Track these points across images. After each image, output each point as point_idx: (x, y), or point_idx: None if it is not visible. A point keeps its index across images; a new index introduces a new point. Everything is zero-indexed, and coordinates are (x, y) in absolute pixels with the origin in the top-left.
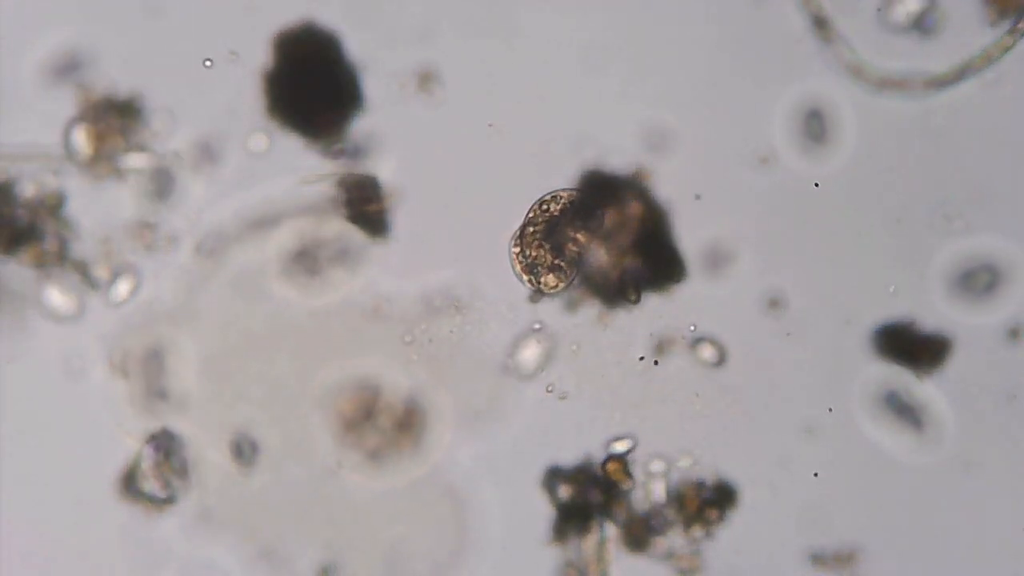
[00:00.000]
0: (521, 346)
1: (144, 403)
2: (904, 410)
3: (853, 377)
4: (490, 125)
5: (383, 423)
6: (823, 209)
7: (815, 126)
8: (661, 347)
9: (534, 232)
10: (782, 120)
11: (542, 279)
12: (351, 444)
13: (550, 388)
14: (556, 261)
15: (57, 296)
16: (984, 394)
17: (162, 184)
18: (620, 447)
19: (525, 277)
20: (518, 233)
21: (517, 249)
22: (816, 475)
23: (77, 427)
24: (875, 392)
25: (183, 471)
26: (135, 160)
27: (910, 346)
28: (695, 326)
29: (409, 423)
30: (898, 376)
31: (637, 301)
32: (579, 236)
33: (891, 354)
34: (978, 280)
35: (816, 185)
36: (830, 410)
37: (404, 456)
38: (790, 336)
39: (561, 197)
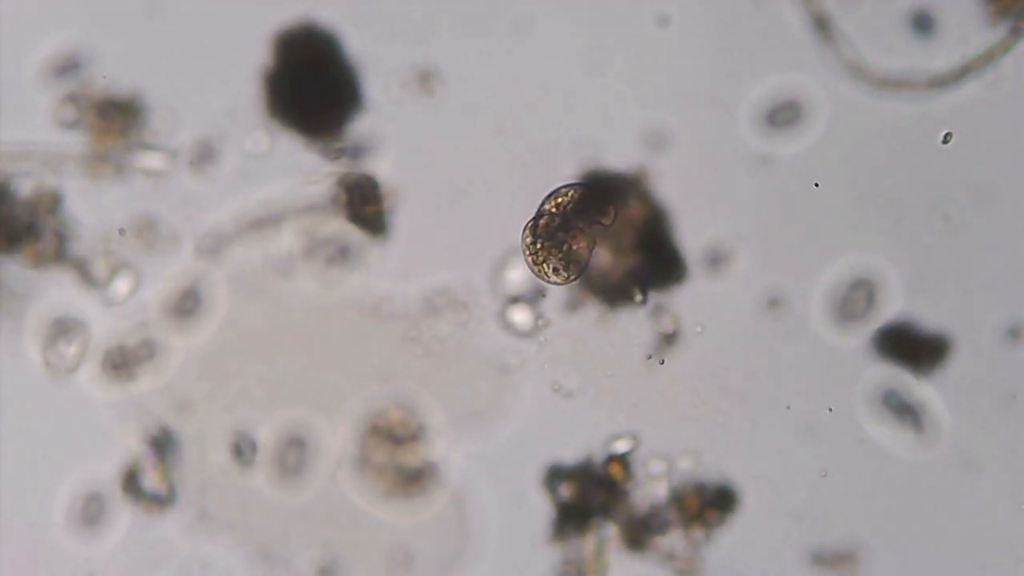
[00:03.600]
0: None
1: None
2: (904, 410)
3: (853, 377)
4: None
5: (395, 455)
6: (822, 208)
7: (786, 115)
8: (665, 346)
9: (547, 224)
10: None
11: (552, 272)
12: (360, 442)
13: (557, 387)
14: (561, 257)
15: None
16: (984, 394)
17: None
18: (621, 446)
19: (536, 268)
20: (532, 224)
21: (530, 239)
22: (824, 475)
23: (76, 427)
24: (875, 392)
25: (182, 470)
26: (144, 160)
27: (910, 346)
28: (702, 327)
29: (408, 478)
30: (897, 376)
31: (644, 302)
32: (585, 233)
33: (891, 354)
34: (855, 304)
35: (816, 185)
36: (830, 410)
37: (375, 487)
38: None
39: (574, 192)
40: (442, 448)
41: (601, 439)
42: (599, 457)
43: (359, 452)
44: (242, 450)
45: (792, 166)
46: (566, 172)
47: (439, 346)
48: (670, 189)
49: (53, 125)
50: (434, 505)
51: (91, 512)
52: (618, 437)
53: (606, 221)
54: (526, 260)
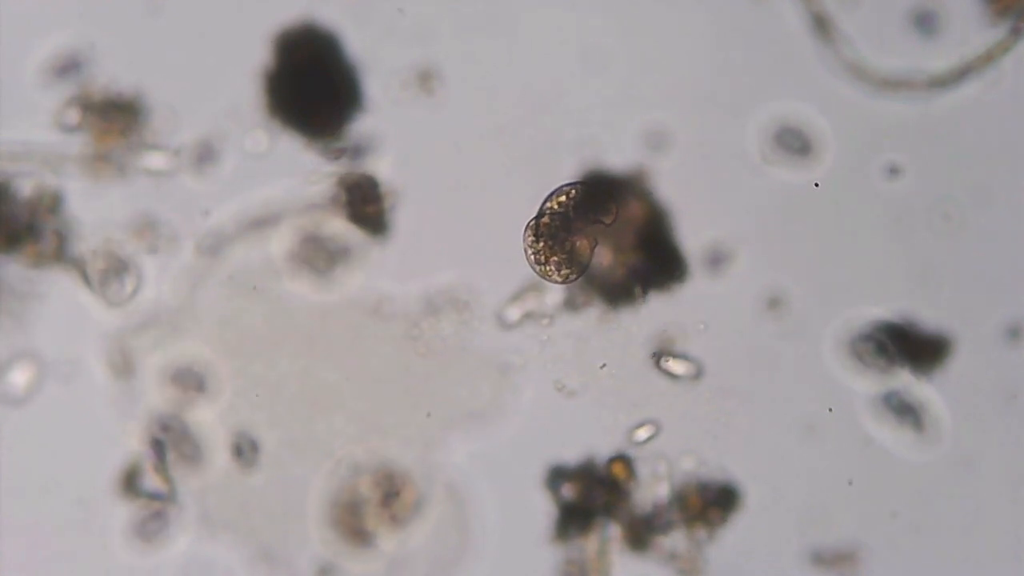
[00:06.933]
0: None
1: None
2: (904, 410)
3: (853, 377)
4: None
5: (368, 506)
6: (822, 209)
7: (792, 139)
8: (667, 345)
9: (548, 224)
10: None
11: (554, 271)
12: (369, 469)
13: (560, 387)
14: (563, 256)
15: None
16: (984, 394)
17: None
18: (643, 433)
19: (538, 268)
20: (533, 223)
21: (531, 238)
22: (831, 410)
23: (77, 427)
24: (875, 392)
25: (193, 456)
26: (145, 160)
27: (911, 346)
28: (704, 325)
29: (354, 529)
30: (898, 376)
31: (644, 298)
32: (586, 233)
33: (892, 354)
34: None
35: (816, 185)
36: (830, 410)
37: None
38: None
39: (576, 192)
40: (396, 545)
41: (604, 438)
42: (601, 457)
43: (357, 471)
44: (242, 450)
45: (793, 167)
46: (566, 171)
47: (440, 345)
48: (670, 189)
49: (55, 127)
50: (435, 506)
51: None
52: (640, 425)
53: (607, 220)
54: (528, 259)
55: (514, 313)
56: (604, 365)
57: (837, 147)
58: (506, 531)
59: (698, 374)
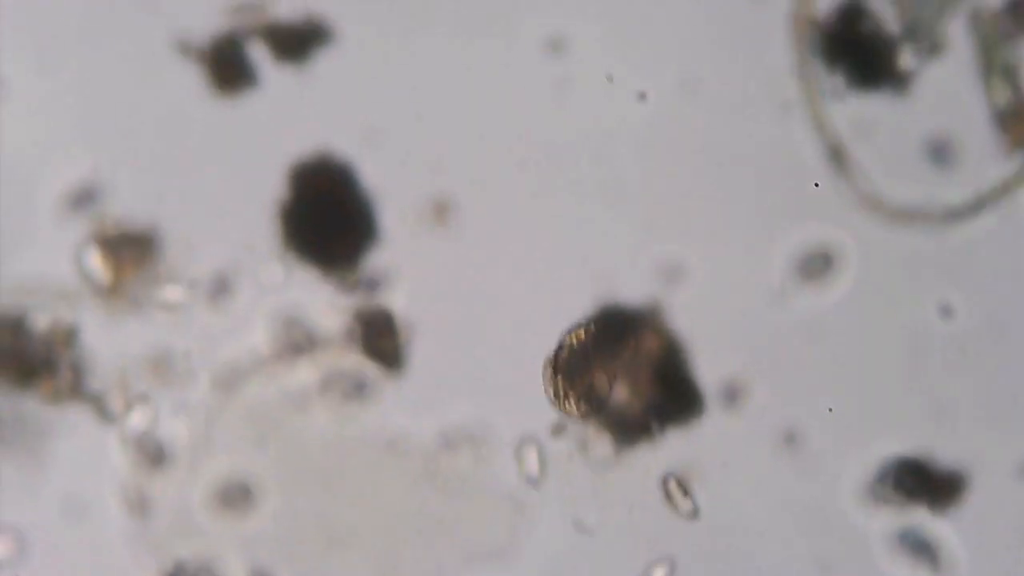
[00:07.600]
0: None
1: None
2: (920, 548)
3: (868, 513)
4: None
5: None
6: (836, 341)
7: (817, 265)
8: (681, 483)
9: (568, 359)
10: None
11: (572, 408)
12: None
13: (579, 525)
14: (580, 392)
15: None
16: (1000, 532)
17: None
18: (659, 573)
19: (557, 403)
20: (552, 358)
21: (550, 373)
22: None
23: (95, 563)
24: (891, 529)
25: None
26: (166, 293)
27: (927, 483)
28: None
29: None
30: (914, 513)
31: (661, 434)
32: (604, 368)
33: (906, 491)
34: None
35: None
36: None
37: None
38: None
39: (594, 327)
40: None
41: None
42: None
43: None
44: None
45: (811, 301)
46: (583, 305)
47: (457, 482)
48: (686, 322)
49: (70, 262)
50: None
51: None
52: (655, 563)
53: (625, 356)
54: (547, 394)
55: (534, 466)
56: (632, 508)
57: (852, 280)
58: None
59: (696, 513)
